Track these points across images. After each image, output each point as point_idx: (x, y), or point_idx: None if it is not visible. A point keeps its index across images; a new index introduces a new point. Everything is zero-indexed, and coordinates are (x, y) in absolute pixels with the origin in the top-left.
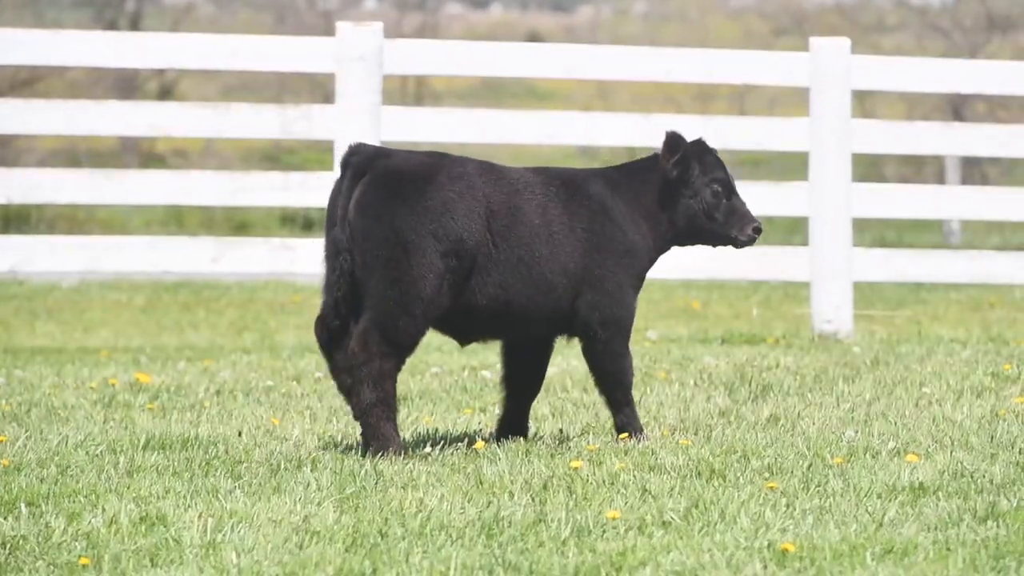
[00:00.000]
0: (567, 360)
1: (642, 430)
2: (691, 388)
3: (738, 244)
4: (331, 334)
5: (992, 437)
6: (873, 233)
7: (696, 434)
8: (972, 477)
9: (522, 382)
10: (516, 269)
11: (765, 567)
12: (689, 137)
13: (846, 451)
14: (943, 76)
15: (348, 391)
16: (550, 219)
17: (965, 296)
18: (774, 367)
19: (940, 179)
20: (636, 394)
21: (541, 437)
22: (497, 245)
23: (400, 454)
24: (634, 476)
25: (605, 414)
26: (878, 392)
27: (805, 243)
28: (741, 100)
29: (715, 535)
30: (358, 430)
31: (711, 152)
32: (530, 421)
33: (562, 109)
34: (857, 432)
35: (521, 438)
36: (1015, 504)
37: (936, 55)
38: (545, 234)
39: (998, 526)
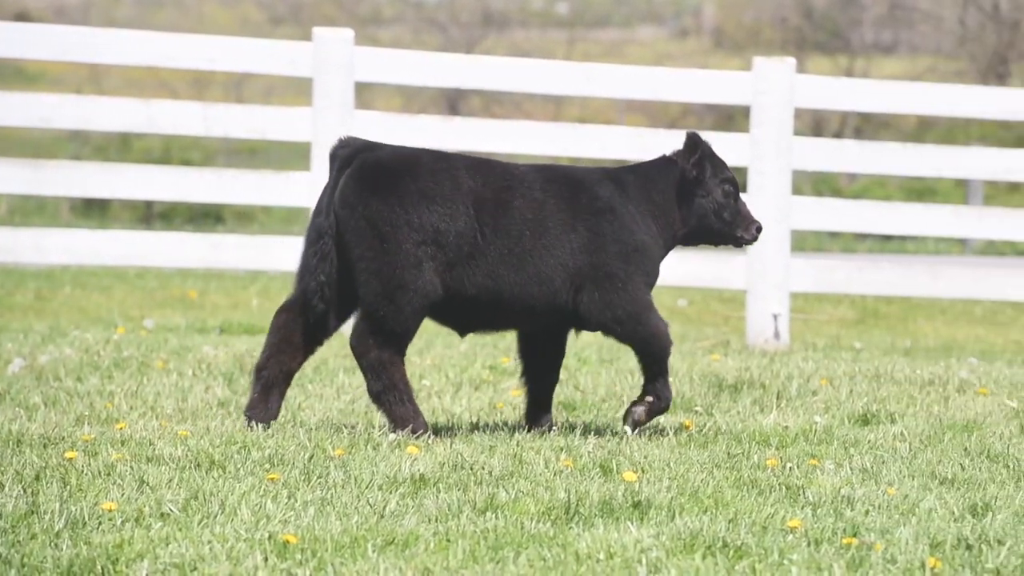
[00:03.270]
0: (60, 349)
1: (669, 399)
2: (189, 378)
3: (741, 244)
4: (288, 317)
5: (490, 429)
6: None
7: (195, 424)
8: (471, 469)
9: (537, 373)
10: (506, 261)
11: (266, 559)
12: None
13: (347, 443)
14: (443, 70)
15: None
16: (546, 215)
17: None
18: None
19: None
20: (133, 384)
21: (32, 427)
22: (485, 237)
23: (424, 430)
24: (131, 467)
25: (100, 404)
26: None
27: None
28: (238, 88)
29: (215, 527)
30: None
31: (716, 154)
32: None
33: (53, 92)
34: (359, 424)
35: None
36: (513, 496)
37: (433, 49)
38: (539, 229)
39: (496, 517)
